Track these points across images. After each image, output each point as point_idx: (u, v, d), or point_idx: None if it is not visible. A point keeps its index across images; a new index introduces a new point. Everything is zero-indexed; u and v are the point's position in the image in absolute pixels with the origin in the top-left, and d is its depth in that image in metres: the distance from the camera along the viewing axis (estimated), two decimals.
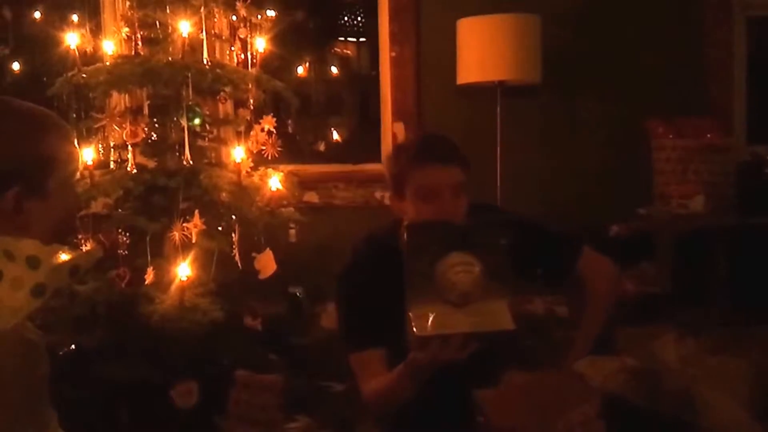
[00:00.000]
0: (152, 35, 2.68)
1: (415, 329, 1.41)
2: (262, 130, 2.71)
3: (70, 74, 2.58)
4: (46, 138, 1.15)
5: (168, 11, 2.61)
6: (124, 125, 2.57)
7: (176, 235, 2.38)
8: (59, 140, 1.17)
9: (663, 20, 3.12)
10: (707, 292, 2.54)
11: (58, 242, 1.16)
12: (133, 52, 2.63)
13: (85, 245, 2.51)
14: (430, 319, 1.41)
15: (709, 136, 2.73)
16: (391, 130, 3.35)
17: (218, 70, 2.56)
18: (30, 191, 1.12)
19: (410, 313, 1.42)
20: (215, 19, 2.71)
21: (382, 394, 1.70)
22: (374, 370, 1.72)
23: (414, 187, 1.68)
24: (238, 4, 2.74)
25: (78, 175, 1.38)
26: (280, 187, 2.66)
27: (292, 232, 2.83)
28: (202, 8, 2.58)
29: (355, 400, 2.03)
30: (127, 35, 2.67)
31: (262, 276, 2.63)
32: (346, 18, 3.81)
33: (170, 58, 2.55)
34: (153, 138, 2.66)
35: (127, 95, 2.71)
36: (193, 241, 2.40)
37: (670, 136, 2.76)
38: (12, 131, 1.12)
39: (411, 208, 1.70)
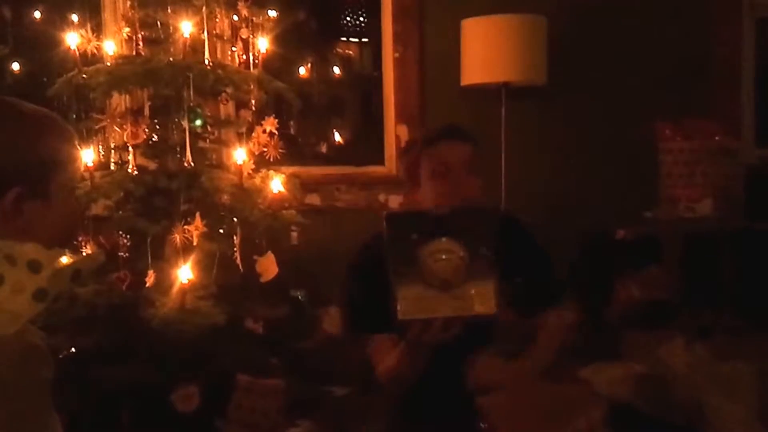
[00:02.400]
0: (153, 35, 2.67)
1: (398, 313, 1.47)
2: (264, 131, 2.70)
3: (70, 75, 2.57)
4: (49, 139, 1.15)
5: (169, 11, 2.60)
6: (124, 126, 2.55)
7: (177, 237, 2.37)
8: (62, 142, 1.17)
9: (670, 21, 3.10)
10: (715, 297, 2.52)
11: (62, 246, 1.15)
12: (134, 53, 2.62)
13: (86, 248, 2.50)
14: (412, 303, 1.46)
15: (717, 138, 2.71)
16: (394, 132, 3.33)
17: (220, 71, 2.54)
18: (32, 193, 1.11)
19: (395, 297, 1.47)
20: (217, 20, 2.69)
21: (391, 374, 1.77)
22: (384, 352, 1.79)
23: (427, 166, 1.80)
24: (239, 4, 2.72)
25: (79, 178, 1.37)
26: (281, 189, 2.65)
27: (294, 234, 2.82)
28: (204, 8, 2.57)
29: (357, 404, 2.02)
30: (127, 35, 2.66)
31: (263, 279, 2.62)
32: (348, 18, 3.80)
33: (171, 59, 2.54)
34: (154, 139, 2.65)
35: (127, 96, 2.69)
36: (194, 243, 2.39)
37: (678, 139, 2.73)
38: (14, 132, 1.12)
39: (425, 190, 1.80)
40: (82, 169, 2.49)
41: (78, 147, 1.23)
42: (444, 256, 1.44)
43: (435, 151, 1.81)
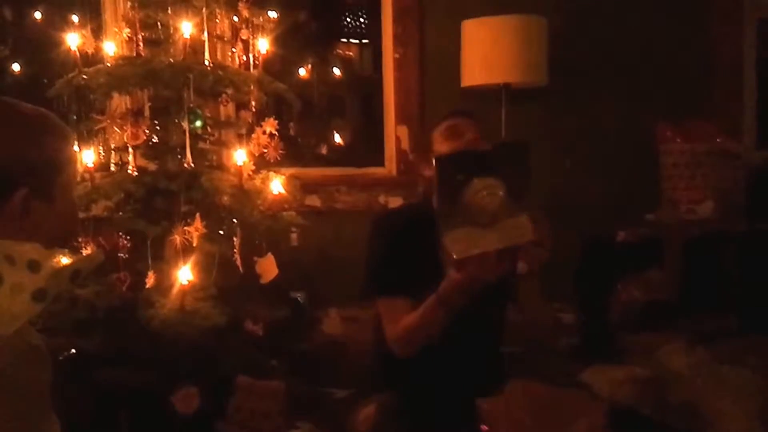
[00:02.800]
0: (153, 36, 2.67)
1: (454, 254, 1.54)
2: (264, 132, 2.70)
3: (70, 75, 2.57)
4: (52, 140, 1.16)
5: (169, 12, 2.60)
6: (124, 127, 2.55)
7: (177, 238, 2.37)
8: (63, 142, 1.18)
9: (671, 22, 3.09)
10: (716, 299, 2.51)
11: (62, 246, 1.16)
12: (134, 54, 2.61)
13: (86, 248, 2.50)
14: (465, 241, 1.55)
15: (718, 140, 2.70)
16: (394, 133, 3.33)
17: (220, 72, 2.54)
18: (37, 194, 1.12)
19: (445, 240, 1.55)
20: (217, 21, 2.69)
21: (411, 330, 1.80)
22: (401, 315, 1.83)
23: (441, 133, 1.92)
24: (240, 5, 2.72)
25: (78, 177, 1.38)
26: (281, 190, 2.65)
27: (294, 236, 2.82)
28: (204, 9, 2.56)
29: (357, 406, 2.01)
30: (128, 36, 2.65)
31: (263, 280, 2.61)
32: (348, 19, 3.80)
33: (171, 60, 2.54)
34: (154, 140, 2.64)
35: (128, 97, 2.69)
36: (194, 244, 2.38)
37: (679, 141, 2.72)
38: (19, 133, 1.12)
39: (435, 149, 1.89)
40: (81, 169, 2.50)
41: (76, 147, 1.24)
42: (487, 192, 1.52)
43: (448, 123, 1.94)
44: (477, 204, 1.51)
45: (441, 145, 1.90)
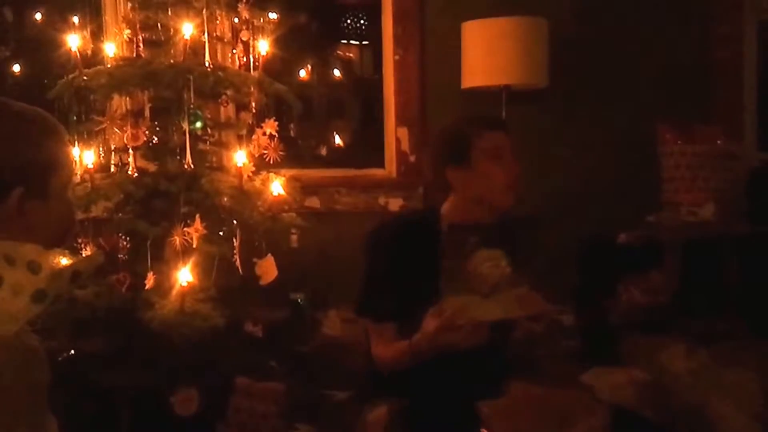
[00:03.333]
0: (154, 37, 2.67)
1: (455, 318, 1.57)
2: (264, 133, 2.70)
3: (71, 76, 2.57)
4: (46, 139, 1.16)
5: (170, 13, 2.60)
6: (125, 128, 2.55)
7: (177, 239, 2.37)
8: (59, 142, 1.18)
9: (671, 23, 3.09)
10: (717, 302, 2.50)
11: (58, 246, 1.17)
12: (134, 55, 2.61)
13: (86, 249, 2.50)
14: (461, 308, 1.58)
15: (719, 142, 2.69)
16: (394, 135, 3.32)
17: (220, 73, 2.54)
18: (32, 193, 1.12)
19: (446, 302, 1.58)
20: (217, 22, 2.69)
21: (393, 361, 1.84)
22: (387, 339, 1.85)
23: (483, 149, 1.85)
24: (240, 6, 2.72)
25: (74, 178, 1.38)
26: (281, 191, 2.64)
27: (294, 237, 2.81)
28: (204, 10, 2.57)
29: (358, 408, 2.01)
30: (128, 37, 2.66)
31: (263, 282, 2.61)
32: (349, 21, 3.79)
33: (172, 61, 2.54)
34: (154, 141, 2.64)
35: (128, 98, 2.69)
36: (194, 246, 2.38)
37: (679, 142, 2.72)
38: (15, 133, 1.12)
39: (484, 171, 1.84)
40: (81, 169, 2.50)
41: (71, 146, 1.24)
42: (491, 264, 1.58)
43: (491, 136, 1.87)
44: (480, 274, 1.57)
45: (482, 163, 1.84)
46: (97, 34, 2.70)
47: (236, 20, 2.74)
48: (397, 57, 3.29)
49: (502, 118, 1.97)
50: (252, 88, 2.67)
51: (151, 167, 2.64)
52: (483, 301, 1.57)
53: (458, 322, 1.57)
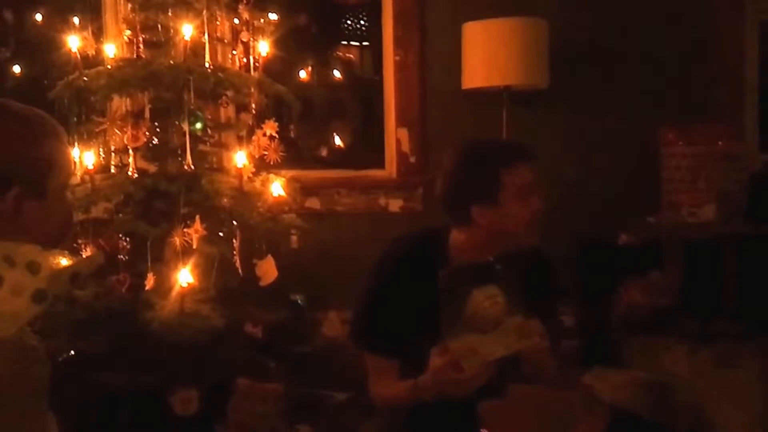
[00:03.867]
0: (154, 38, 2.66)
1: (462, 363, 1.55)
2: (264, 134, 2.70)
3: (71, 77, 2.56)
4: (45, 140, 1.16)
5: (170, 14, 2.59)
6: (125, 129, 2.55)
7: (177, 240, 2.36)
8: (57, 142, 1.18)
9: (673, 25, 3.09)
10: (718, 303, 2.50)
11: (56, 246, 1.16)
12: (134, 56, 2.61)
13: (86, 250, 2.49)
14: (467, 349, 1.56)
15: (720, 143, 2.69)
16: (394, 136, 3.32)
17: (220, 74, 2.54)
18: (30, 193, 1.12)
19: (450, 346, 1.55)
20: (217, 22, 2.69)
21: (391, 401, 1.78)
22: (385, 375, 1.78)
23: (513, 185, 1.70)
24: (240, 7, 2.72)
25: (73, 178, 1.38)
26: (281, 192, 2.64)
27: (294, 238, 2.81)
28: (205, 11, 2.56)
29: (357, 409, 2.00)
30: (128, 38, 2.65)
31: (263, 283, 2.61)
32: (349, 22, 3.79)
33: (172, 62, 2.53)
34: (154, 142, 2.64)
35: (128, 99, 2.68)
36: (194, 246, 2.38)
37: (681, 143, 2.72)
38: (12, 132, 1.12)
39: (513, 210, 1.71)
40: (82, 170, 2.50)
41: (69, 147, 1.24)
42: (489, 302, 1.55)
43: (520, 173, 1.70)
44: (480, 314, 1.55)
45: (512, 203, 1.70)
46: (98, 35, 2.69)
47: (236, 21, 2.74)
48: (397, 58, 3.29)
49: (530, 147, 1.77)
50: (252, 89, 2.67)
51: (151, 168, 2.64)
52: (483, 339, 1.56)
53: (463, 365, 1.54)
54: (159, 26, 2.65)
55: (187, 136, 2.47)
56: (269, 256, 2.62)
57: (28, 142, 1.13)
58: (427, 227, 1.89)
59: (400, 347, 1.75)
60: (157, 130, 2.63)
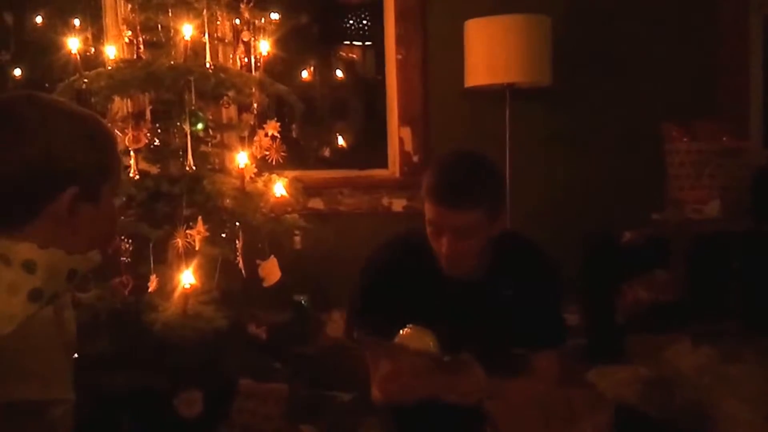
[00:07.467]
0: (154, 39, 2.66)
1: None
2: (266, 135, 2.69)
3: (71, 79, 2.57)
4: (105, 142, 1.16)
5: (170, 14, 2.59)
6: (126, 131, 2.55)
7: (179, 242, 2.36)
8: (114, 146, 1.19)
9: (676, 20, 3.06)
10: (723, 299, 2.49)
11: (100, 248, 1.18)
12: (135, 57, 2.61)
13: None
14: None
15: (724, 139, 2.67)
16: (397, 135, 3.31)
17: (221, 74, 2.53)
18: (85, 195, 1.11)
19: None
20: (218, 23, 2.68)
21: (390, 399, 1.77)
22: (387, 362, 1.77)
23: (426, 216, 1.70)
24: (241, 7, 2.71)
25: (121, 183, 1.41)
26: (284, 193, 2.64)
27: (297, 239, 2.81)
28: (205, 11, 2.56)
29: (361, 410, 2.00)
30: (129, 39, 2.65)
31: (266, 284, 2.60)
32: (351, 21, 3.78)
33: (173, 62, 2.53)
34: (156, 143, 2.64)
35: (129, 100, 2.69)
36: (197, 248, 2.38)
37: (685, 140, 2.70)
38: (75, 132, 1.12)
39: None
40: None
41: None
42: (418, 344, 1.60)
43: (432, 210, 1.67)
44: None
45: (427, 229, 1.73)
46: (98, 37, 2.69)
47: (237, 21, 2.74)
48: (399, 57, 3.28)
49: (457, 195, 1.64)
50: (254, 89, 2.67)
51: (153, 169, 2.64)
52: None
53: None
54: (159, 27, 2.65)
55: (189, 137, 2.47)
56: (272, 256, 2.62)
57: (90, 143, 1.13)
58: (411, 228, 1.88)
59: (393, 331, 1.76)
60: (159, 131, 2.63)
